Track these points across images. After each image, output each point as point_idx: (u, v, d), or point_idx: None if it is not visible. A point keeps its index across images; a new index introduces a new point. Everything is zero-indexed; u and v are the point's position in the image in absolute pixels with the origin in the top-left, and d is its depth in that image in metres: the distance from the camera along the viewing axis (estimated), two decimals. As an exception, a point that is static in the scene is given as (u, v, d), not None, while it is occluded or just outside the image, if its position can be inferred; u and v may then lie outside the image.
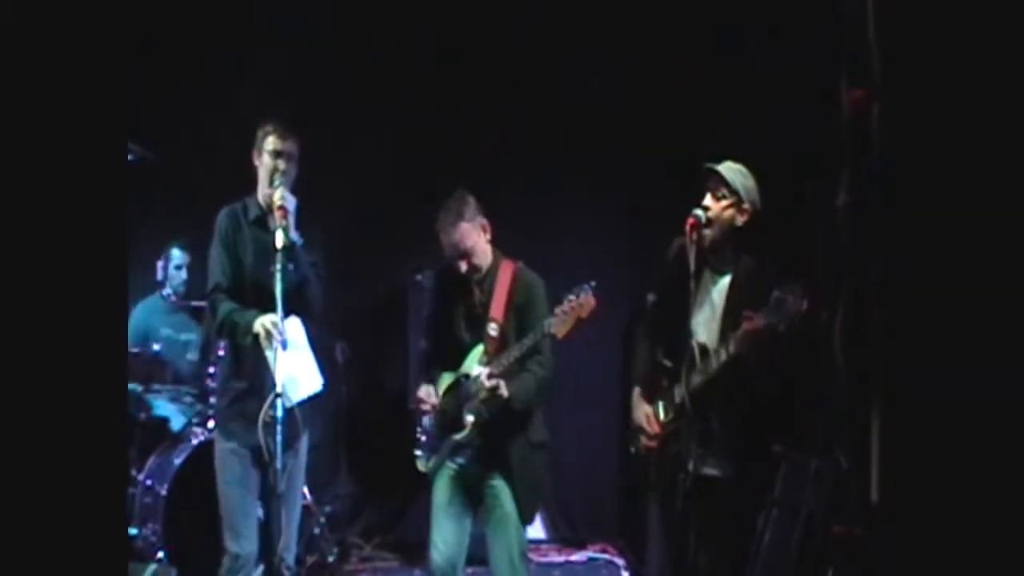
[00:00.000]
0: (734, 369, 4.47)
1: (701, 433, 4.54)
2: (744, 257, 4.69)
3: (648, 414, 4.79)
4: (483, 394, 4.78)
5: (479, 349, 4.93)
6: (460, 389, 4.98)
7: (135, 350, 6.88)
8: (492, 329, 4.91)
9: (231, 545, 4.76)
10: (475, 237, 4.94)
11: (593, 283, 4.53)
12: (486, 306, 4.95)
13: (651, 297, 5.00)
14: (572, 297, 4.54)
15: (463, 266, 4.93)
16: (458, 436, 4.93)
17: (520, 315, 4.88)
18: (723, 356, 4.46)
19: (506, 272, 4.98)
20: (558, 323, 4.57)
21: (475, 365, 4.91)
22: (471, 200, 4.96)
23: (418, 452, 5.13)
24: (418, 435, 5.15)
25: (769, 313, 4.28)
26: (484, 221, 4.97)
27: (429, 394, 5.08)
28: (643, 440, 4.82)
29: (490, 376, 4.75)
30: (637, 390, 4.90)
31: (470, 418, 4.86)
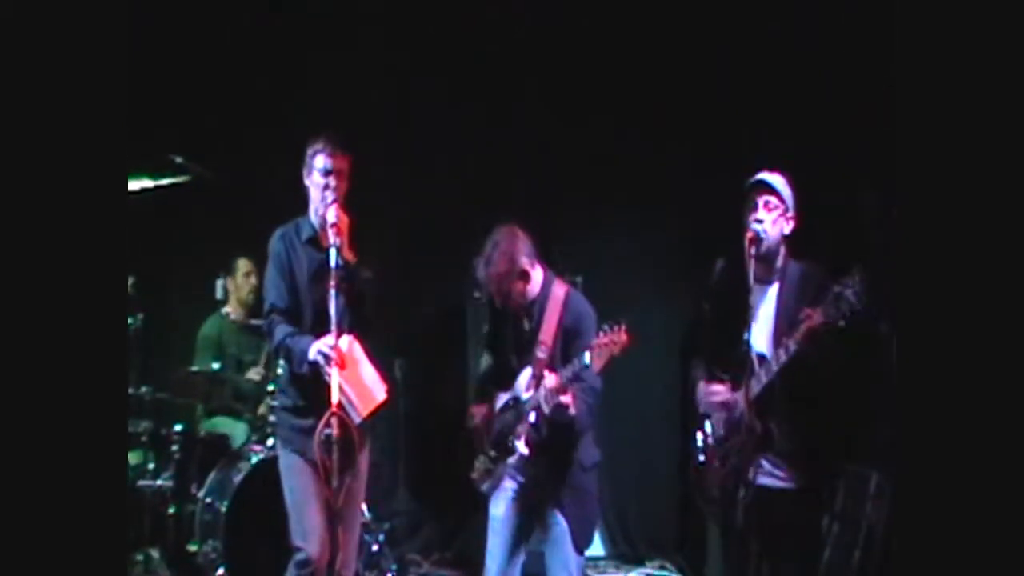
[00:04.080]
0: (795, 371, 4.42)
1: (763, 443, 4.50)
2: (789, 264, 4.68)
3: (721, 391, 4.71)
4: (551, 406, 4.76)
5: (527, 372, 4.93)
6: (511, 412, 4.99)
7: (196, 368, 6.97)
8: (541, 351, 4.91)
9: (302, 545, 4.72)
10: (528, 263, 4.95)
11: (626, 319, 4.54)
12: (536, 330, 4.95)
13: (702, 313, 4.98)
14: (605, 333, 4.54)
15: (518, 286, 4.93)
16: (510, 460, 4.95)
17: (568, 339, 4.88)
18: (782, 357, 4.42)
19: (558, 294, 4.97)
20: (593, 358, 4.57)
21: (523, 389, 4.92)
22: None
23: (475, 475, 5.15)
24: (475, 459, 5.17)
25: (828, 309, 4.24)
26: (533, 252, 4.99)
27: (483, 417, 5.15)
28: (716, 417, 4.74)
29: (559, 390, 4.74)
30: (702, 383, 4.81)
31: (520, 443, 4.88)
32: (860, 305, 4.16)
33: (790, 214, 4.64)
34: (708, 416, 4.77)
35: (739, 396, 4.56)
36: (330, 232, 4.66)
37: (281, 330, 4.80)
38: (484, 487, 5.12)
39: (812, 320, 4.30)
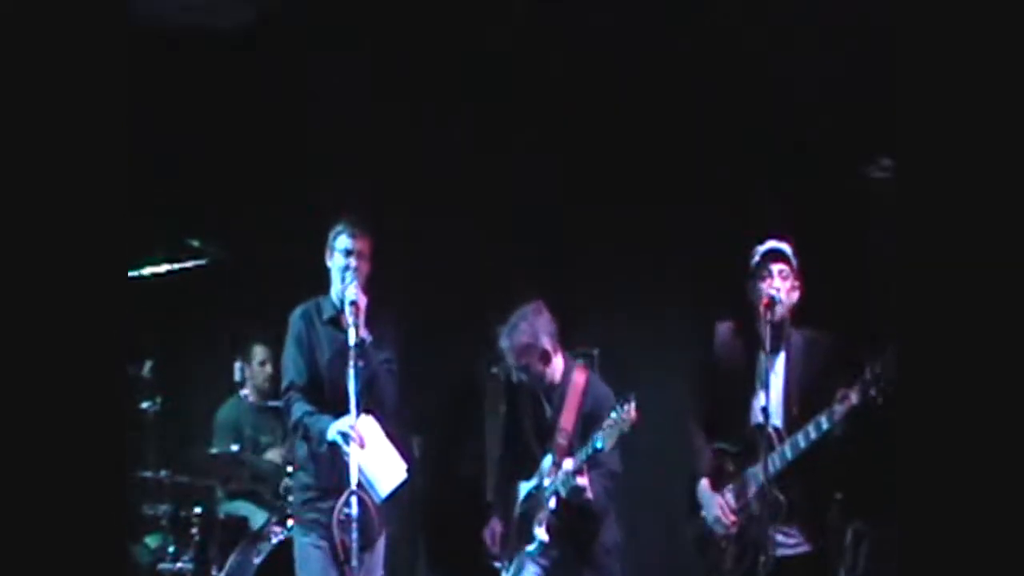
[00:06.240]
0: (822, 446, 4.43)
1: (784, 514, 4.49)
2: (793, 333, 4.69)
3: (722, 505, 4.72)
4: (568, 489, 4.76)
5: (549, 459, 4.95)
6: (533, 500, 4.99)
7: (215, 451, 6.98)
8: (561, 438, 4.94)
9: None
10: (549, 344, 4.98)
11: (636, 394, 4.56)
12: (556, 416, 4.97)
13: (703, 378, 4.99)
14: (615, 411, 4.58)
15: (538, 366, 4.95)
16: (529, 548, 4.95)
17: (588, 425, 4.89)
18: (812, 435, 4.42)
19: (578, 380, 5.00)
20: (604, 438, 4.60)
21: (545, 475, 4.95)
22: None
23: (497, 564, 5.15)
24: (496, 552, 5.22)
25: (866, 388, 4.26)
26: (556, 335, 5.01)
27: (494, 538, 5.20)
28: (720, 531, 4.74)
29: (577, 473, 4.75)
30: (704, 482, 4.81)
31: (540, 530, 4.89)
32: (896, 381, 4.17)
33: (798, 282, 4.68)
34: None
35: (757, 470, 4.55)
36: (348, 311, 4.71)
37: (299, 407, 4.84)
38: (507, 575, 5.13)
39: (851, 401, 4.32)
